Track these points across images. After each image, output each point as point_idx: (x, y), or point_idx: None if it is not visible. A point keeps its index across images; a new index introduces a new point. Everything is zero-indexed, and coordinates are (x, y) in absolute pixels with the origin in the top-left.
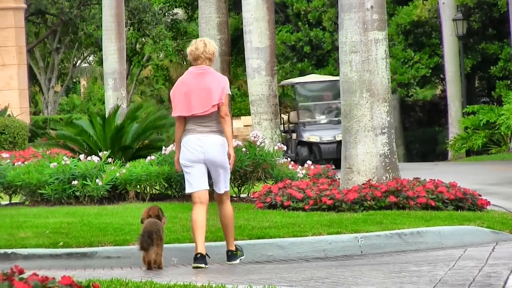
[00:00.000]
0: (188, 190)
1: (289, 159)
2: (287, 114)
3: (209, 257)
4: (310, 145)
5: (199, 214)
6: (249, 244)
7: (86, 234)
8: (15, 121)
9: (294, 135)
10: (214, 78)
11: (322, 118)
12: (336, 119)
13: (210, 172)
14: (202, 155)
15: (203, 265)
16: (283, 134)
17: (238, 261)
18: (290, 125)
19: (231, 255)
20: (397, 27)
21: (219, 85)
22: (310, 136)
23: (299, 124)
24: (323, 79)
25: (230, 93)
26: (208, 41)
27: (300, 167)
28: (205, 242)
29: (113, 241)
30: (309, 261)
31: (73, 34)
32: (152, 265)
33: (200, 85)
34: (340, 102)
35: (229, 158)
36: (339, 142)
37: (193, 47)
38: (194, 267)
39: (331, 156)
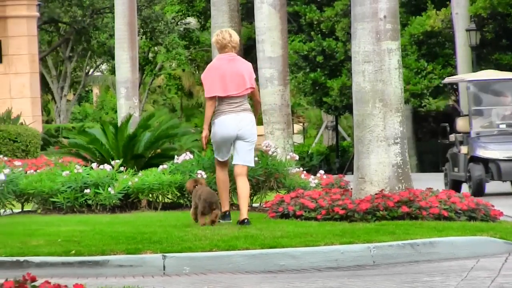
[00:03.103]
0: (217, 157)
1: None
2: (455, 121)
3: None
4: (486, 162)
5: (224, 174)
6: (261, 253)
7: (98, 243)
8: (28, 129)
9: (463, 149)
10: (243, 63)
11: (503, 128)
12: None
13: (238, 146)
14: (236, 131)
15: (230, 221)
16: (451, 146)
17: (249, 223)
18: (457, 135)
19: (246, 222)
20: (411, 37)
21: (248, 70)
22: (486, 150)
23: (471, 134)
24: (505, 77)
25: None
26: (231, 31)
27: (312, 176)
28: (218, 250)
29: (125, 249)
30: (321, 270)
31: (85, 42)
32: (208, 224)
33: (233, 70)
34: None
35: None
36: None
37: (219, 36)
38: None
39: None
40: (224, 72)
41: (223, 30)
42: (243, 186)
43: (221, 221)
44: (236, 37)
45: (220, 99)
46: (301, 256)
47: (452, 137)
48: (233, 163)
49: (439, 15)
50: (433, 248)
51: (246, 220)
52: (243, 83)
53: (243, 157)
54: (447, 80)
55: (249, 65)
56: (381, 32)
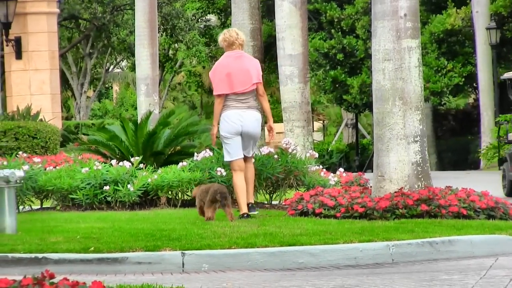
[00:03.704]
0: (227, 158)
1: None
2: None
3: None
4: None
5: (240, 179)
6: (280, 251)
7: (117, 240)
8: (47, 126)
9: None
10: (250, 60)
11: None
12: None
13: (243, 141)
14: (240, 128)
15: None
16: (507, 145)
17: (256, 212)
18: None
19: (251, 207)
20: (431, 36)
21: (255, 67)
22: None
23: None
24: None
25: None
26: (237, 30)
27: (332, 174)
28: (237, 248)
29: (144, 246)
30: (340, 268)
31: (106, 39)
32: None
33: (239, 67)
34: None
35: (270, 131)
36: None
37: (227, 34)
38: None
39: None
40: (230, 69)
41: (229, 29)
42: (248, 170)
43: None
44: (242, 36)
45: (228, 95)
46: (320, 254)
47: (511, 136)
48: None
49: (459, 13)
50: (452, 246)
51: (249, 204)
52: (249, 80)
53: (247, 151)
54: (506, 75)
55: (256, 61)
56: (401, 30)
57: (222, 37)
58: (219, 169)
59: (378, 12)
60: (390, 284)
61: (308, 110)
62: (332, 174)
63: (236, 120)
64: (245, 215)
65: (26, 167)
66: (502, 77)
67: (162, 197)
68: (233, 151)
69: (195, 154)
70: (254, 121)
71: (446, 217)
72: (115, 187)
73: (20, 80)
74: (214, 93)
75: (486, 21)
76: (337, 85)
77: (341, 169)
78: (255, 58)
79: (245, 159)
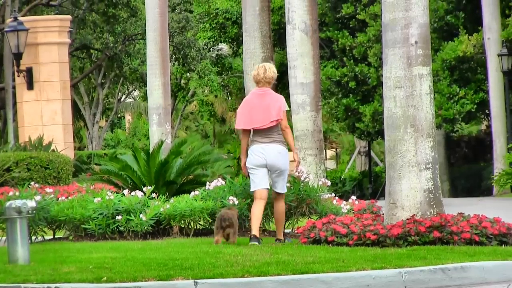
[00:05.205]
0: (252, 188)
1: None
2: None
3: (262, 240)
4: None
5: (258, 208)
6: (293, 279)
7: (130, 269)
8: (59, 156)
9: None
10: (272, 98)
11: None
12: None
13: (271, 176)
14: (264, 160)
15: (256, 243)
16: None
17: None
18: None
19: (277, 241)
20: (443, 63)
21: (276, 104)
22: None
23: None
24: None
25: (288, 108)
26: (268, 67)
27: (344, 202)
28: (250, 276)
29: (157, 276)
30: None
31: (118, 69)
32: (228, 240)
33: (261, 104)
34: None
35: (294, 161)
36: None
37: (255, 72)
38: (249, 245)
39: None
40: (252, 106)
41: (260, 65)
42: (276, 210)
43: (249, 243)
44: (270, 73)
45: (254, 131)
46: (333, 282)
47: None
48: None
49: (471, 40)
50: (464, 272)
51: (277, 240)
52: (268, 117)
53: (275, 185)
54: None
55: (279, 98)
56: (412, 57)
57: (252, 73)
58: (231, 197)
59: (389, 39)
60: None
61: (320, 138)
62: (344, 202)
63: (260, 154)
64: (252, 236)
65: (38, 198)
66: None
67: (174, 226)
68: (258, 181)
69: (208, 183)
70: (278, 154)
71: (458, 244)
72: (128, 216)
73: (32, 111)
74: (236, 127)
75: (498, 47)
76: (349, 113)
77: (354, 197)
78: None
79: (275, 196)
